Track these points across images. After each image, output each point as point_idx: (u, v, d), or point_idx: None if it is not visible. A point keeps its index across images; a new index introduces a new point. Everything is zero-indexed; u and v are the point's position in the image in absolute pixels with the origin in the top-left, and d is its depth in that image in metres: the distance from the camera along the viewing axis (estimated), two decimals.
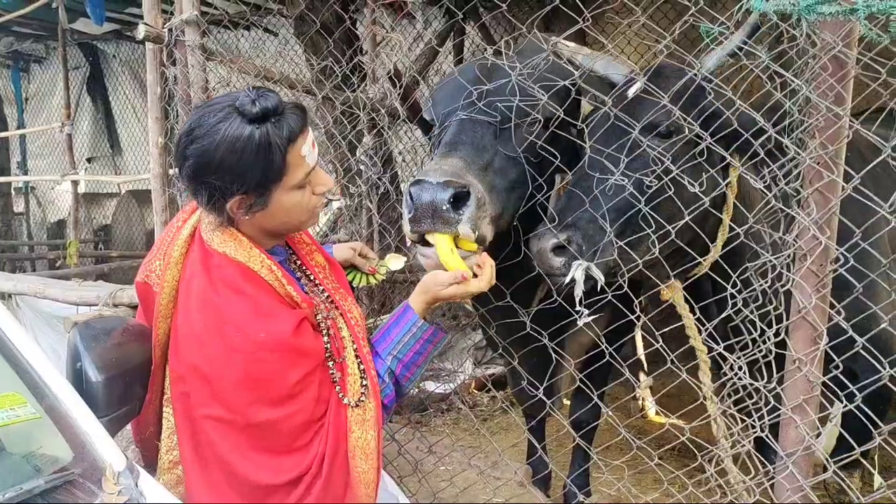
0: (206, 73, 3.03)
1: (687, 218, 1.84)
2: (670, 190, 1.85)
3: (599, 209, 1.89)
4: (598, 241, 1.89)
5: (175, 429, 1.75)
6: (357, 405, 1.73)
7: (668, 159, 1.85)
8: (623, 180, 1.87)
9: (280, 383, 1.63)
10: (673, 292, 2.24)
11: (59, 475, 1.30)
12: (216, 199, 1.64)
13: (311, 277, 1.89)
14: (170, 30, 2.92)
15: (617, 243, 1.88)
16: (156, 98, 3.12)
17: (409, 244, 5.03)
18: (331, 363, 1.75)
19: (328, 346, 1.76)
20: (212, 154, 1.58)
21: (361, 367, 1.80)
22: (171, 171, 3.27)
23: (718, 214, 2.01)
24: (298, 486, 1.66)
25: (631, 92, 1.99)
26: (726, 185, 1.99)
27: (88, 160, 9.47)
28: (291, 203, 1.69)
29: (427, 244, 1.89)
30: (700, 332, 2.14)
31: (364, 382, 1.77)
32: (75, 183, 7.21)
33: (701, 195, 1.83)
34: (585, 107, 2.17)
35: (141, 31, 2.87)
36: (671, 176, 1.84)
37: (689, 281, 2.18)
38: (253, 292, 1.69)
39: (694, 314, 2.17)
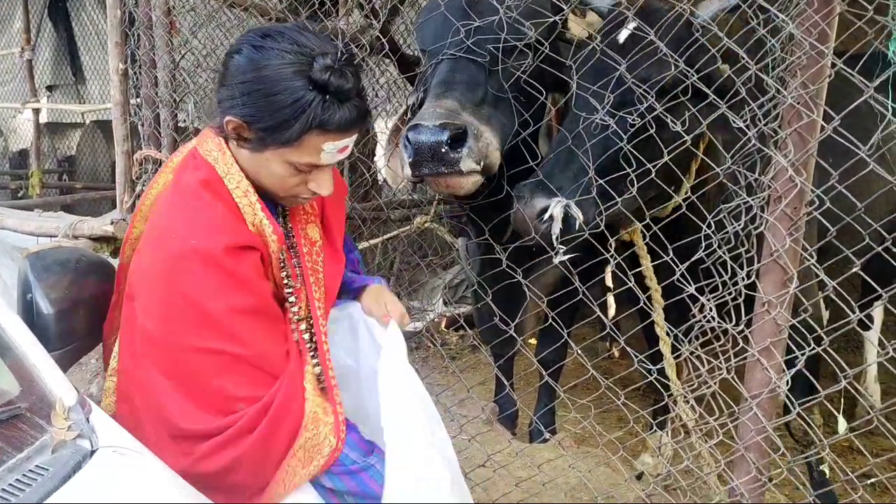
0: None
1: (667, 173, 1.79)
2: (656, 142, 1.80)
3: (583, 170, 1.86)
4: (584, 203, 1.86)
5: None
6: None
7: (657, 109, 1.79)
8: (609, 134, 1.85)
9: (203, 303, 1.48)
10: (635, 235, 2.26)
11: (4, 409, 1.25)
12: (225, 103, 1.53)
13: (294, 246, 1.74)
14: None
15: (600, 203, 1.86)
16: (116, 21, 2.99)
17: (381, 181, 4.91)
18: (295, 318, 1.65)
19: (292, 301, 1.65)
20: (257, 65, 1.47)
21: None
22: (132, 101, 3.16)
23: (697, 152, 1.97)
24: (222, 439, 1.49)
25: (621, 37, 1.93)
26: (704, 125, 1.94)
27: (49, 88, 9.14)
28: (276, 172, 1.56)
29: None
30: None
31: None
32: (36, 111, 6.97)
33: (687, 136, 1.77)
34: (575, 30, 2.11)
35: None
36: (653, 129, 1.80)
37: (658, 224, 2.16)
38: (210, 200, 1.56)
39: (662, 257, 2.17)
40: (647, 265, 2.24)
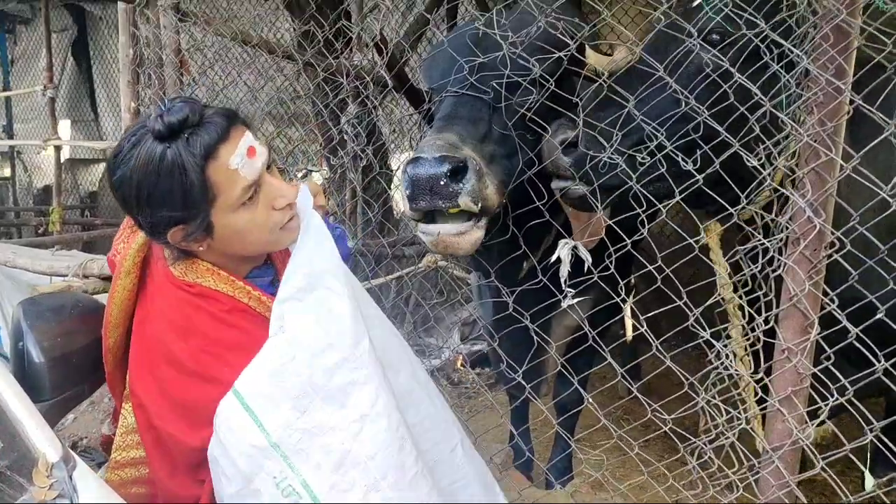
0: (179, 35, 2.91)
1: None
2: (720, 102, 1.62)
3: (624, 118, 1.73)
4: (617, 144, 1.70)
5: (134, 429, 1.63)
6: None
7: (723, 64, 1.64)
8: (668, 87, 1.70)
9: None
10: (711, 236, 1.94)
11: None
12: (153, 233, 1.50)
13: None
14: None
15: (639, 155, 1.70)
16: (127, 60, 3.01)
17: (397, 215, 4.88)
18: None
19: None
20: (129, 182, 1.43)
21: None
22: None
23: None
24: None
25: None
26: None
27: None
28: (241, 225, 1.49)
29: (428, 221, 1.83)
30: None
31: None
32: (58, 148, 7.04)
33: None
34: (594, 64, 2.04)
35: None
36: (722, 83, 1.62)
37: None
38: (247, 327, 1.56)
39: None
40: (722, 272, 1.91)
